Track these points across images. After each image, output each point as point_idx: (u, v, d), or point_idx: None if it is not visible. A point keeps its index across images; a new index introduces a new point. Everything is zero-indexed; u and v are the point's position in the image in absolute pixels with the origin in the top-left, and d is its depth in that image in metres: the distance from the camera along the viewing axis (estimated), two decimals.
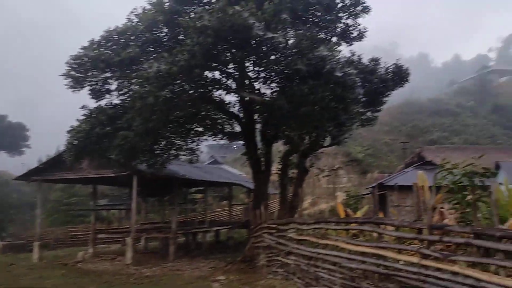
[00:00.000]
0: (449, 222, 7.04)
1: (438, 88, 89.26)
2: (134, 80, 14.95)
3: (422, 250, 5.80)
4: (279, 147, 22.37)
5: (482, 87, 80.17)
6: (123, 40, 15.95)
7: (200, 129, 19.55)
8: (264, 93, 16.98)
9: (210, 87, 16.61)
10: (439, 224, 5.80)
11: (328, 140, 19.44)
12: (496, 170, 31.56)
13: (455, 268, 5.11)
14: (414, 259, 5.90)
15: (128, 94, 16.47)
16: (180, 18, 14.58)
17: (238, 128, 19.96)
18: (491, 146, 49.24)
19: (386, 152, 54.52)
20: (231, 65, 16.47)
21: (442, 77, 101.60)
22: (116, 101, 17.54)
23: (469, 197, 5.39)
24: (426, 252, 5.71)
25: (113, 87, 17.34)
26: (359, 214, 11.78)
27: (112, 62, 15.46)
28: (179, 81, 13.97)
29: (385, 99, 20.80)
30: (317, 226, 9.55)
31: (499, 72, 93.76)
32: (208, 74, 16.29)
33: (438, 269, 5.40)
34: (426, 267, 5.63)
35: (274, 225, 12.63)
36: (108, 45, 16.08)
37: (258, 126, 18.93)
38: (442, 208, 7.09)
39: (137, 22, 15.85)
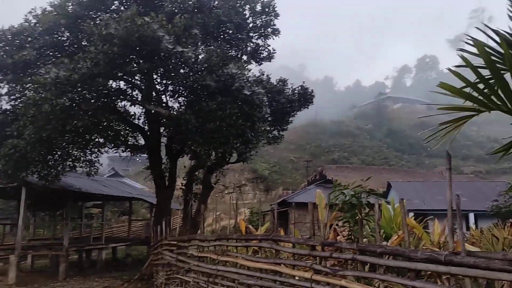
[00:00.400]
0: (341, 239, 7.44)
1: (340, 111, 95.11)
2: (28, 85, 13.87)
3: (315, 266, 6.02)
4: (185, 162, 22.12)
5: (378, 112, 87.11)
6: (18, 41, 14.78)
7: (101, 140, 18.60)
8: (172, 106, 16.78)
9: (114, 97, 15.98)
10: (330, 241, 6.09)
11: (234, 156, 19.64)
12: (387, 189, 34.35)
13: (343, 283, 5.37)
14: (307, 275, 6.11)
15: (20, 100, 15.23)
16: (84, 24, 13.93)
17: (142, 141, 19.37)
18: (385, 167, 53.41)
19: (291, 170, 56.56)
20: (137, 76, 16.03)
21: (344, 101, 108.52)
22: (6, 106, 16.16)
23: (357, 216, 5.77)
24: (318, 268, 5.94)
25: (3, 91, 15.96)
26: (262, 230, 11.96)
27: (4, 64, 14.24)
28: (79, 89, 13.22)
29: (291, 118, 21.67)
30: (218, 243, 9.50)
31: (393, 99, 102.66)
32: (112, 83, 15.68)
33: (328, 284, 5.64)
34: (318, 282, 5.85)
35: (174, 242, 12.34)
36: (0, 45, 14.82)
37: (164, 139, 18.58)
38: (336, 225, 7.47)
39: (35, 23, 14.82)
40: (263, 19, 19.54)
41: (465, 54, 3.86)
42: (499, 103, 3.56)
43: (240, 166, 39.63)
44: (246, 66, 17.15)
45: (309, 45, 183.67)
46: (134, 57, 13.90)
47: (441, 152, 65.86)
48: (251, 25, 19.64)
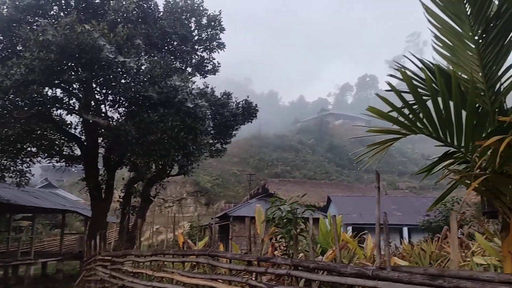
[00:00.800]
0: (278, 254, 7.52)
1: (284, 125, 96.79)
2: None
3: (250, 281, 6.04)
4: (123, 173, 21.48)
5: (321, 128, 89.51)
6: None
7: (34, 149, 17.68)
8: (111, 117, 16.33)
9: (49, 105, 15.29)
10: (266, 257, 6.14)
11: (176, 169, 19.35)
12: (327, 204, 35.26)
13: None
14: None
15: None
16: (20, 28, 13.29)
17: (78, 151, 18.60)
18: (326, 181, 54.75)
19: (233, 183, 56.57)
20: (76, 84, 15.46)
21: (288, 115, 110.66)
22: None
23: (292, 231, 5.89)
24: (253, 283, 5.96)
25: None
26: (200, 245, 11.83)
27: None
28: (12, 96, 12.54)
29: (234, 132, 21.74)
30: (154, 258, 9.29)
31: (335, 115, 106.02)
32: (48, 91, 15.02)
33: None
34: None
35: (109, 257, 11.90)
36: None
37: (102, 150, 17.97)
38: (274, 241, 7.55)
39: None
40: (209, 33, 19.63)
41: (395, 80, 4.11)
42: (422, 126, 3.80)
43: (182, 179, 39.09)
44: (191, 78, 17.08)
45: (256, 59, 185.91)
46: (72, 65, 13.43)
47: (379, 168, 68.70)
48: (196, 37, 19.65)
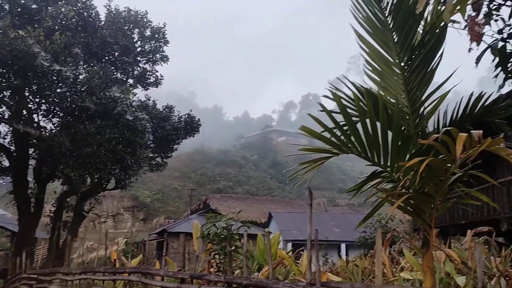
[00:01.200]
0: (213, 271, 7.43)
1: (228, 140, 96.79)
2: None
3: None
4: (56, 186, 20.45)
5: (264, 144, 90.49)
6: None
7: None
8: (44, 127, 15.55)
9: None
10: (199, 274, 6.05)
11: (112, 182, 18.71)
12: (269, 220, 35.49)
13: None
14: None
15: None
16: None
17: (7, 162, 17.47)
18: (268, 197, 55.11)
19: (174, 198, 55.52)
20: (7, 92, 14.62)
21: (232, 131, 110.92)
22: None
23: (227, 248, 5.85)
24: None
25: None
26: (134, 262, 11.44)
27: None
28: None
29: (176, 146, 21.41)
30: (84, 276, 8.86)
31: (279, 132, 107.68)
32: None
33: None
34: None
35: (35, 275, 11.21)
36: None
37: (33, 162, 17.01)
38: (211, 258, 7.46)
39: None
40: (152, 45, 19.42)
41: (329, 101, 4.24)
42: (351, 146, 3.95)
43: (119, 193, 37.79)
44: (132, 90, 16.75)
45: (201, 73, 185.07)
46: (4, 71, 12.73)
47: (320, 185, 70.35)
48: (139, 49, 19.36)
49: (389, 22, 4.04)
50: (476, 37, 2.77)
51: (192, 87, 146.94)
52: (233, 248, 5.72)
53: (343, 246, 28.49)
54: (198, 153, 73.36)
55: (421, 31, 4.06)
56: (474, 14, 2.72)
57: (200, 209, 37.44)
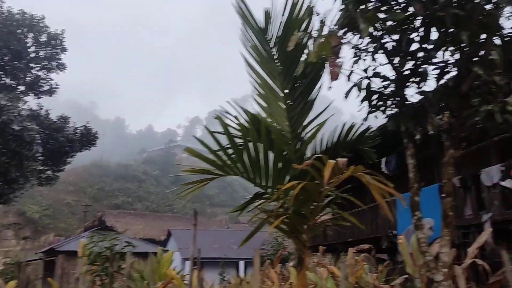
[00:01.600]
0: None
1: (129, 154, 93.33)
2: None
3: None
4: None
5: (167, 159, 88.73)
6: None
7: None
8: None
9: None
10: None
11: None
12: (168, 237, 34.72)
13: None
14: None
15: None
16: None
17: None
18: (168, 214, 53.90)
19: (67, 214, 51.92)
20: None
21: (134, 144, 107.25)
22: None
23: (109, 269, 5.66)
24: None
25: None
26: (10, 286, 10.47)
27: None
28: None
29: (70, 159, 20.25)
30: None
31: (183, 147, 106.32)
32: None
33: None
34: None
35: None
36: None
37: None
38: (92, 279, 7.13)
39: None
40: (48, 51, 18.37)
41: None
42: (233, 168, 4.12)
43: (4, 208, 34.43)
44: (22, 97, 15.62)
45: (104, 83, 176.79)
46: None
47: (223, 202, 70.60)
48: (33, 55, 18.19)
49: (273, 53, 4.32)
50: (335, 76, 3.10)
51: (94, 97, 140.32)
52: (116, 268, 5.56)
53: (241, 263, 28.79)
54: (96, 166, 69.66)
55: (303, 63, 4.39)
56: (333, 57, 3.05)
57: (95, 226, 35.42)
